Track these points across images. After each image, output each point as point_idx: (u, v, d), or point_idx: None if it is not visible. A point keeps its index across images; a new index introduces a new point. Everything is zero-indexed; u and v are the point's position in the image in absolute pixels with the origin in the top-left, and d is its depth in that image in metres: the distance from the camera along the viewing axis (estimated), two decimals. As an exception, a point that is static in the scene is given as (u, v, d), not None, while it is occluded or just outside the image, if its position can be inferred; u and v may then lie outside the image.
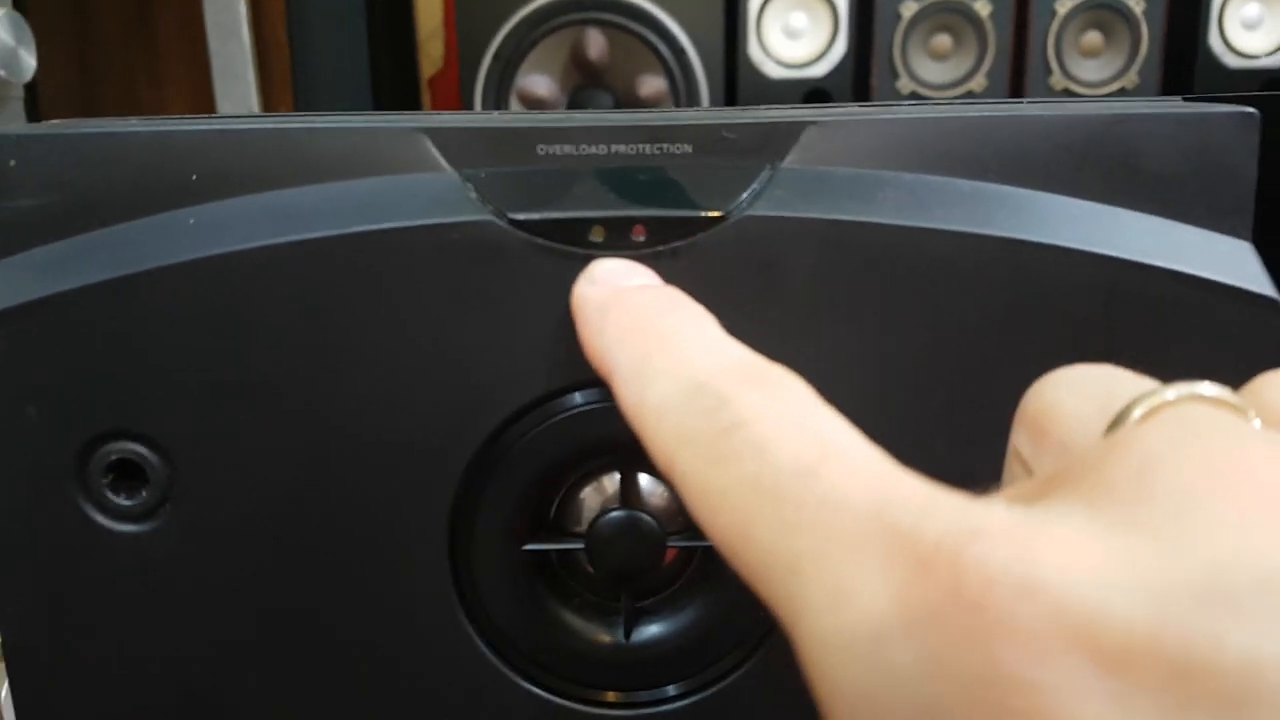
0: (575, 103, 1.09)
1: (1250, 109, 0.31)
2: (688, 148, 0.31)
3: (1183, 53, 1.10)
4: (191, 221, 0.31)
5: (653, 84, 1.08)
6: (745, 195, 0.30)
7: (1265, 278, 0.31)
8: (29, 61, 0.82)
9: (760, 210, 0.30)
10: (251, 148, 0.31)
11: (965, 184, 0.31)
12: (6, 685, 0.34)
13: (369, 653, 0.33)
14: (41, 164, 0.31)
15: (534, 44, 1.08)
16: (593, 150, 0.31)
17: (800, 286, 0.30)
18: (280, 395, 0.31)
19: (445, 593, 0.32)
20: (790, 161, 0.31)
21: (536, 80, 1.09)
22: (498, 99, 1.07)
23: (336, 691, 0.33)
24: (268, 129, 0.31)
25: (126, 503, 0.32)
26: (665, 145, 0.31)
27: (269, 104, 1.07)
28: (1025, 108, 0.32)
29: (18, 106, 0.84)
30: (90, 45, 1.12)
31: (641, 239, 0.30)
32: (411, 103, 1.16)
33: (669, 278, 0.30)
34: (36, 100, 0.93)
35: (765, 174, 0.31)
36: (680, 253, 0.30)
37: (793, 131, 0.31)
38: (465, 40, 1.09)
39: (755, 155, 0.31)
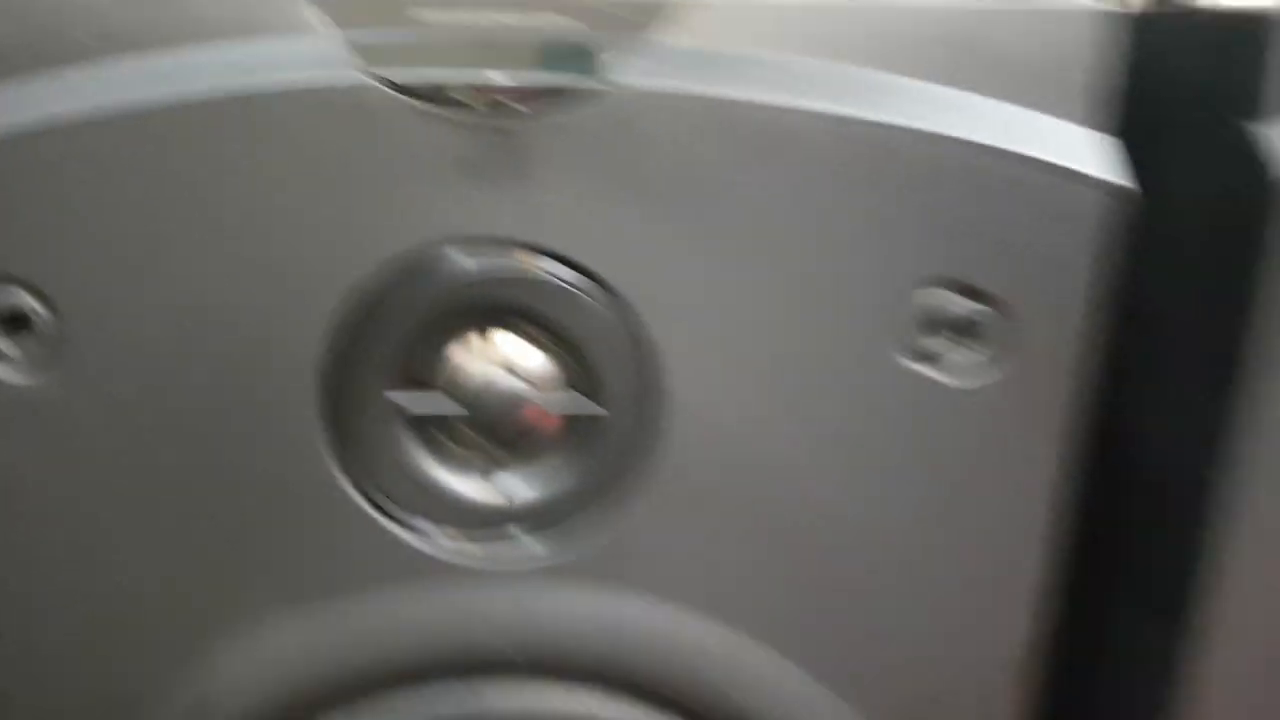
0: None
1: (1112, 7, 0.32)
2: (572, 18, 0.32)
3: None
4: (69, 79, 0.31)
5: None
6: (625, 68, 0.31)
7: (1105, 163, 0.32)
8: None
9: (638, 83, 0.31)
10: (121, 7, 0.31)
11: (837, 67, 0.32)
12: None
13: (244, 497, 0.34)
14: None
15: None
16: (473, 15, 0.32)
17: (673, 163, 0.32)
18: (157, 252, 0.32)
19: (314, 440, 0.34)
20: (674, 38, 0.32)
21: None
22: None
23: (218, 538, 0.35)
24: None
25: (13, 352, 0.33)
26: (549, 14, 0.32)
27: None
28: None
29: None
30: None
31: (520, 106, 0.31)
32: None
33: (546, 147, 0.31)
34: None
35: (647, 48, 0.32)
36: (560, 123, 0.31)
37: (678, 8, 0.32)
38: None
39: (638, 29, 0.32)
